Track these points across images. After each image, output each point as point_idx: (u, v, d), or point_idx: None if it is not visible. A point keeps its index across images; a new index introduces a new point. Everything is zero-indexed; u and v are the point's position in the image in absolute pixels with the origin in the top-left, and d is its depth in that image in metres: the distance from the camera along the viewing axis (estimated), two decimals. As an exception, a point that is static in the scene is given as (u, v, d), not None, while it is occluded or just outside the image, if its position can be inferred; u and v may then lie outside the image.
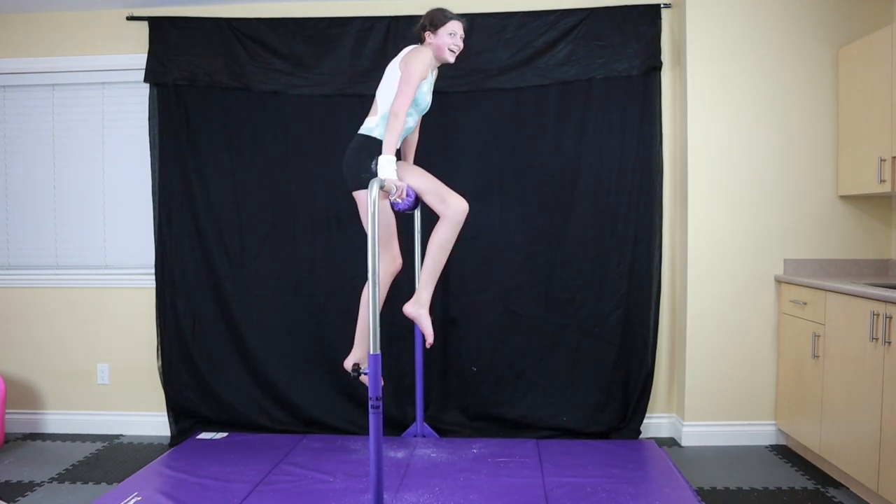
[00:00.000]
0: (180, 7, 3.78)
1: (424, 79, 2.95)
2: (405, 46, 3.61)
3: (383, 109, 2.96)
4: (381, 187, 2.52)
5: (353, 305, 3.61)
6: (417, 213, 3.45)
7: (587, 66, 3.59)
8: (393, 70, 2.99)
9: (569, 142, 3.63)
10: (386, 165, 2.76)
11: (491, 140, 3.66)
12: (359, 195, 2.99)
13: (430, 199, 2.98)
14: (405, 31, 3.63)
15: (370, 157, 2.90)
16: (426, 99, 3.03)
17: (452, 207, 2.91)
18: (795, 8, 3.55)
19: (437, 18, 3.01)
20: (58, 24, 3.88)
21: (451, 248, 2.98)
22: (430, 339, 2.96)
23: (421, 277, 3.00)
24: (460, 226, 2.96)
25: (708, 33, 3.57)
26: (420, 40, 3.09)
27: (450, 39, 3.01)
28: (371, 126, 2.98)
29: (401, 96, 2.84)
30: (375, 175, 2.84)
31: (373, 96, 3.63)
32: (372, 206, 2.37)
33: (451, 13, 3.05)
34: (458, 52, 3.06)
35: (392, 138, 2.79)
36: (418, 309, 2.95)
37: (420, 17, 3.61)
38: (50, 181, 3.99)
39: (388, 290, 3.16)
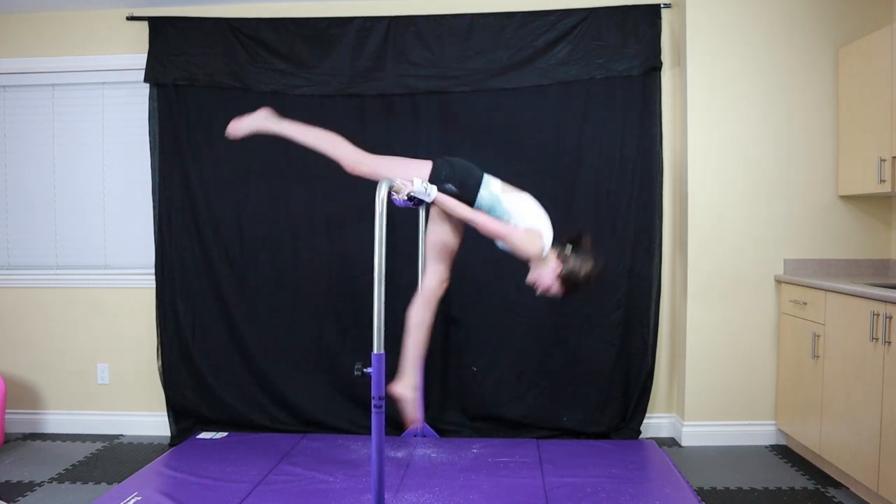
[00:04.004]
0: (180, 7, 3.77)
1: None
2: (405, 47, 3.62)
3: None
4: (411, 195, 2.70)
5: (354, 305, 3.64)
6: (421, 210, 3.44)
7: (587, 66, 3.59)
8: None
9: (569, 142, 3.63)
10: (432, 189, 2.79)
11: (491, 140, 3.66)
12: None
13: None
14: (405, 31, 3.63)
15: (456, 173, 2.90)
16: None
17: (424, 285, 2.97)
18: (795, 8, 3.55)
19: None
20: (58, 24, 3.88)
21: (428, 326, 2.94)
22: (409, 423, 3.10)
23: (405, 358, 2.94)
24: (433, 305, 2.94)
25: (708, 33, 3.57)
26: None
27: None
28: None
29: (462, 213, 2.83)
30: (443, 190, 2.83)
31: (373, 96, 3.70)
32: (380, 206, 2.44)
33: None
34: None
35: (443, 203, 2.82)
36: (410, 392, 2.94)
37: (420, 17, 3.64)
38: (50, 181, 3.99)
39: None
